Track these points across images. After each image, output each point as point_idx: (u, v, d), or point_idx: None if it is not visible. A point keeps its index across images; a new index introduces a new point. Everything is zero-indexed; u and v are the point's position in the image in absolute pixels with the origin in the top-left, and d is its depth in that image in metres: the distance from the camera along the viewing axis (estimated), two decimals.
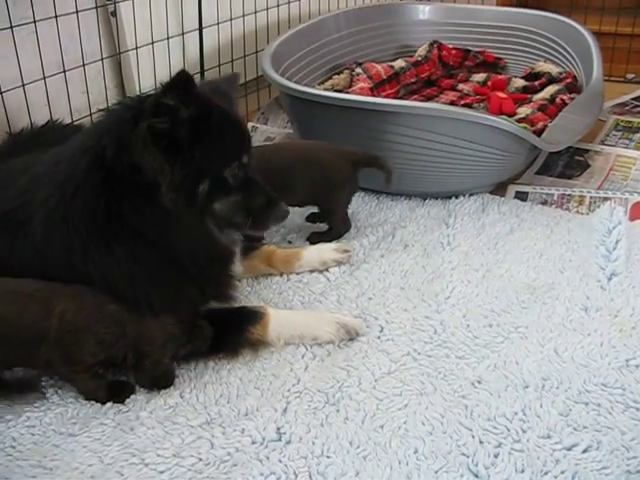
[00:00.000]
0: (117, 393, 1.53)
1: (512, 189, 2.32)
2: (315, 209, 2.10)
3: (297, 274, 1.92)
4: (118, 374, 1.57)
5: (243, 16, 2.89)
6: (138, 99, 1.54)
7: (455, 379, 1.52)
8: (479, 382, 1.51)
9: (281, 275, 1.92)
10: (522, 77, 3.00)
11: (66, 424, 1.47)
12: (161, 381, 1.53)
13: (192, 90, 1.41)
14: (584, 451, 1.32)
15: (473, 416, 1.42)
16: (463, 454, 1.34)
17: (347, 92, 2.70)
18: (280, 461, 1.34)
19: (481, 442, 1.36)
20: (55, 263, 1.51)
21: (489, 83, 2.99)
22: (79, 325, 1.43)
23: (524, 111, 2.59)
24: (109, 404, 1.51)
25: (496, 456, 1.33)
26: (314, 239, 2.05)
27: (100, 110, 1.71)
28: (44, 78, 2.23)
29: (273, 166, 1.82)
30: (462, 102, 2.83)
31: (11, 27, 2.08)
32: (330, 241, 2.02)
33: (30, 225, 1.52)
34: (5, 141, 1.99)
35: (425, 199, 2.26)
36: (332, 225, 2.08)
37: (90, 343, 1.43)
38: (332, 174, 1.98)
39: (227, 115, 1.54)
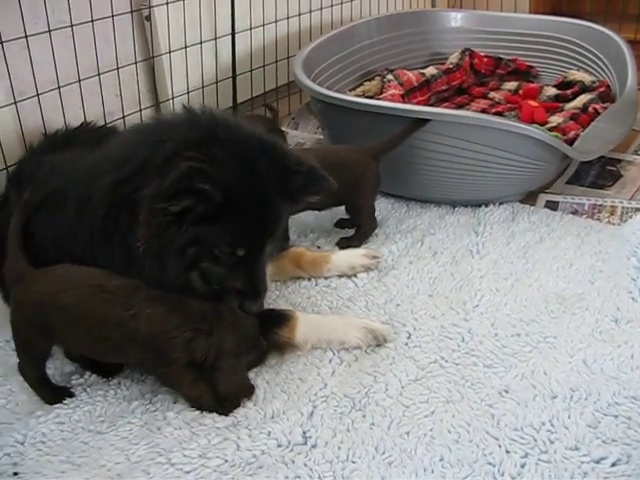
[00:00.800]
0: (226, 400, 1.49)
1: (542, 198, 2.31)
2: (343, 215, 2.11)
3: (325, 279, 1.92)
4: None
5: (275, 22, 2.91)
6: (176, 133, 1.48)
7: (482, 388, 1.51)
8: (506, 391, 1.50)
9: (309, 280, 1.92)
10: (554, 85, 2.98)
11: (94, 422, 1.49)
12: (244, 385, 1.51)
13: (210, 180, 1.38)
14: (613, 464, 1.30)
15: (500, 425, 1.41)
16: (489, 463, 1.33)
17: (378, 98, 2.70)
18: (305, 465, 1.34)
19: (508, 452, 1.35)
20: (81, 244, 1.55)
21: (521, 91, 2.97)
22: (169, 326, 1.43)
23: (556, 120, 2.57)
24: (136, 403, 1.53)
25: (523, 466, 1.32)
26: (343, 244, 2.06)
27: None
28: (79, 81, 2.26)
29: None
30: (493, 110, 2.82)
31: (49, 31, 2.12)
32: (359, 245, 2.04)
33: (65, 204, 1.57)
34: (40, 142, 2.02)
35: (454, 207, 2.25)
36: (361, 223, 2.09)
37: (180, 343, 1.43)
38: (356, 170, 2.00)
39: (246, 205, 1.46)
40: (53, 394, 1.56)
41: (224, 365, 1.44)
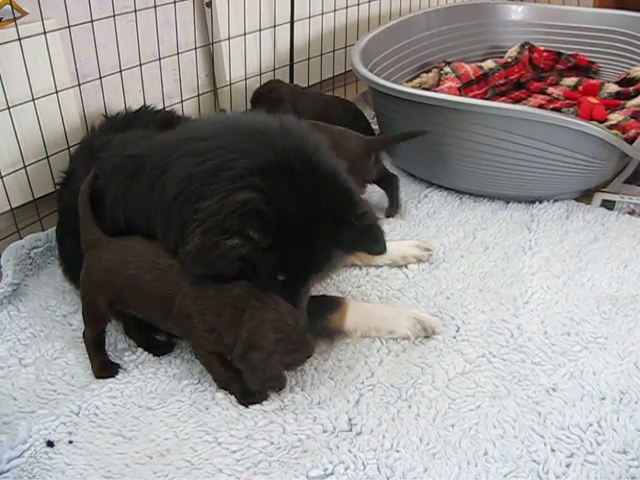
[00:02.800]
0: (250, 395, 1.51)
1: (598, 197, 2.27)
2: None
3: (376, 268, 1.93)
4: None
5: (334, 11, 2.91)
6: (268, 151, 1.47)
7: (529, 385, 1.51)
8: (554, 390, 1.49)
9: (360, 269, 1.93)
10: (616, 82, 2.91)
11: (145, 398, 1.54)
12: (271, 381, 1.49)
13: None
14: None
15: (546, 423, 1.41)
16: (534, 460, 1.33)
17: (435, 91, 2.68)
18: (350, 451, 1.36)
19: (553, 450, 1.35)
20: (147, 215, 1.58)
21: (580, 87, 2.91)
22: (193, 311, 1.46)
23: (616, 117, 2.51)
24: (185, 382, 1.57)
25: (568, 466, 1.32)
26: None
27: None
28: (140, 65, 2.31)
29: None
30: (551, 106, 2.77)
31: (114, 16, 2.17)
32: None
33: (142, 174, 1.60)
34: (102, 123, 2.08)
35: (508, 202, 2.23)
36: None
37: (201, 325, 1.45)
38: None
39: (295, 245, 1.46)
40: (102, 366, 1.62)
41: (252, 359, 1.41)
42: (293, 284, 1.50)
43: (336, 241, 1.50)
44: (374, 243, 1.57)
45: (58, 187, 1.99)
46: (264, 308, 1.42)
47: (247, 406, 1.49)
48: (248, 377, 1.46)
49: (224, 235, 1.38)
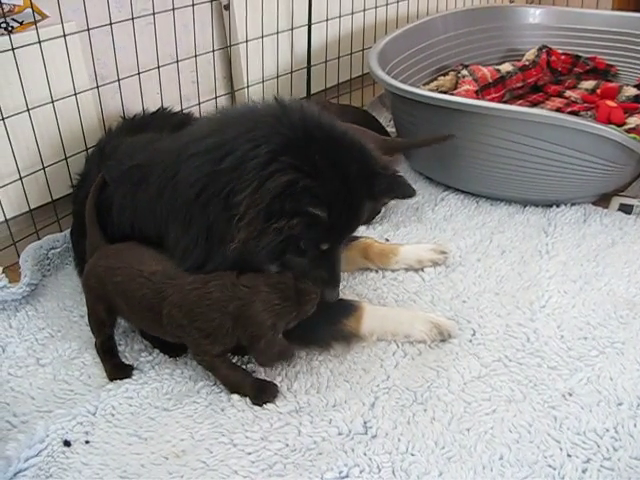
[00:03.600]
0: (260, 394, 1.52)
1: (616, 201, 2.25)
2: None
3: (392, 271, 1.93)
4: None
5: (352, 14, 2.92)
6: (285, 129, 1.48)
7: (546, 389, 1.50)
8: (570, 394, 1.48)
9: (376, 272, 1.93)
10: (634, 85, 2.89)
11: (161, 399, 1.55)
12: (281, 356, 1.52)
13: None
14: None
15: (562, 428, 1.40)
16: (550, 465, 1.33)
17: (452, 94, 2.68)
18: (365, 454, 1.36)
19: (569, 455, 1.34)
20: (154, 221, 1.60)
21: (598, 91, 2.90)
22: (183, 320, 1.47)
23: (634, 121, 2.50)
24: (201, 383, 1.57)
25: (584, 471, 1.31)
26: None
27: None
28: (158, 67, 2.32)
29: None
30: (569, 109, 2.76)
31: (132, 18, 2.19)
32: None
33: (149, 181, 1.62)
34: (118, 124, 2.10)
35: (525, 206, 2.22)
36: None
37: (194, 332, 1.47)
38: None
39: (339, 211, 1.48)
40: (114, 369, 1.63)
41: (258, 348, 1.44)
42: (334, 249, 1.55)
43: (372, 194, 1.55)
44: (404, 186, 1.63)
45: (73, 189, 2.01)
46: (247, 301, 1.43)
47: (261, 405, 1.50)
48: (260, 360, 1.50)
49: (271, 220, 1.39)
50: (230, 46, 2.60)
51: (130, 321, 1.61)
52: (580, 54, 3.08)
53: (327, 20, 2.82)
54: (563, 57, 3.08)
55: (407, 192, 1.65)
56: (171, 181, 1.55)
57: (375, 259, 1.93)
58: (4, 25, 1.88)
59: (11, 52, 1.88)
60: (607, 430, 1.39)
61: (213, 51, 2.51)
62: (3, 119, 1.92)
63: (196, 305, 1.45)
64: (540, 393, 1.49)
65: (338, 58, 2.91)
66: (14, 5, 1.86)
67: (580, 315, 1.72)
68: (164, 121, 2.12)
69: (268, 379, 1.57)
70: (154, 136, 1.84)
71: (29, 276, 1.90)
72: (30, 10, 1.90)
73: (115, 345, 1.66)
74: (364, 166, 1.52)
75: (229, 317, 1.44)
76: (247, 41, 2.57)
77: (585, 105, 2.80)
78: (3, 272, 1.84)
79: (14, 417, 1.51)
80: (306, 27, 2.74)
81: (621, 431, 1.38)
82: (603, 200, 2.24)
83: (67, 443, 1.43)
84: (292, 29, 2.73)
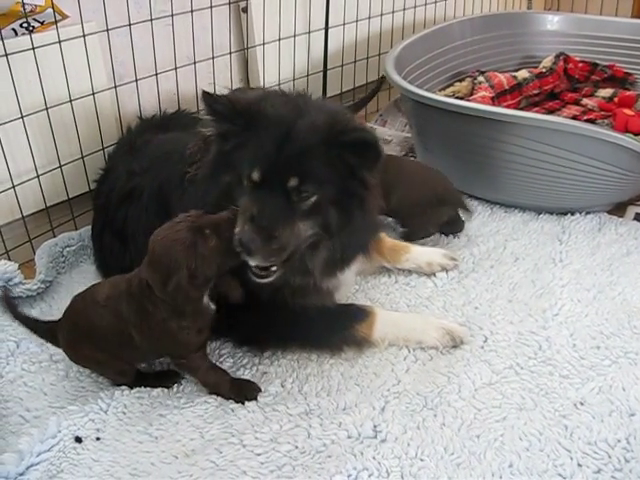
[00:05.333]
0: (240, 392, 1.55)
1: (632, 210, 2.24)
2: None
3: (405, 276, 1.93)
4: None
5: (369, 18, 2.92)
6: None
7: (557, 398, 1.50)
8: (582, 404, 1.48)
9: (389, 276, 1.94)
10: None
11: (172, 398, 1.57)
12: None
13: None
14: None
15: (573, 437, 1.40)
16: (560, 475, 1.32)
17: (468, 100, 2.68)
18: (374, 458, 1.36)
19: (580, 465, 1.34)
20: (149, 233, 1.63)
21: (616, 99, 2.89)
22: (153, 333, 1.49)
23: None
24: None
25: None
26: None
27: None
28: (175, 68, 2.34)
29: None
30: (585, 117, 2.75)
31: (151, 20, 2.20)
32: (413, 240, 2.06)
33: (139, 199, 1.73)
34: (137, 124, 2.12)
35: (539, 213, 2.22)
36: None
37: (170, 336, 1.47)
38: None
39: (267, 132, 1.46)
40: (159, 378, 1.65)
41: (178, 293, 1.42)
42: (269, 185, 1.42)
43: (323, 141, 1.42)
44: (358, 153, 1.43)
45: (95, 184, 2.03)
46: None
47: (243, 402, 1.52)
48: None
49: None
50: (247, 48, 2.61)
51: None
52: (598, 62, 3.07)
53: (344, 24, 2.83)
54: (580, 64, 3.07)
55: (372, 155, 1.45)
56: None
57: (386, 254, 1.92)
58: (25, 25, 1.90)
59: (31, 51, 1.90)
60: (619, 441, 1.38)
61: (230, 53, 2.52)
62: (22, 117, 1.94)
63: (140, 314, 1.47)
64: (551, 401, 1.49)
65: (354, 62, 2.92)
66: (36, 5, 1.88)
67: (593, 324, 1.72)
68: (181, 121, 2.14)
69: (246, 379, 1.60)
70: (182, 134, 1.90)
71: (44, 273, 1.92)
72: (51, 10, 1.92)
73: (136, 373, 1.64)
74: (329, 119, 1.45)
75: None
76: (264, 44, 2.58)
77: (602, 113, 2.79)
78: (19, 269, 1.85)
79: (27, 412, 1.53)
80: (323, 31, 2.75)
81: (633, 442, 1.37)
82: (618, 209, 2.23)
83: (78, 439, 1.45)
84: (309, 32, 2.74)
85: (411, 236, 2.06)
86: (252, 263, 1.43)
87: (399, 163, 2.14)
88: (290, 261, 1.48)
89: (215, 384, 1.55)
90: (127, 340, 1.48)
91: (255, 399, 1.53)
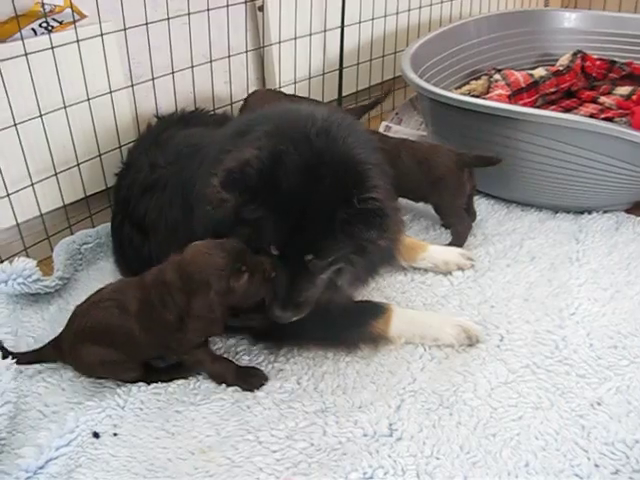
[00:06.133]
0: (246, 380, 1.57)
1: None
2: None
3: (421, 275, 1.93)
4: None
5: (385, 16, 2.92)
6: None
7: (574, 397, 1.49)
8: (599, 404, 1.47)
9: (405, 275, 1.94)
10: None
11: (188, 394, 1.57)
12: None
13: None
14: None
15: (590, 438, 1.39)
16: (576, 475, 1.32)
17: (484, 98, 2.67)
18: (389, 456, 1.36)
19: (597, 466, 1.33)
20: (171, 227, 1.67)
21: (634, 97, 2.85)
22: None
23: None
24: None
25: None
26: None
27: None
28: (192, 67, 2.34)
29: None
30: (603, 115, 2.73)
31: (168, 19, 2.21)
32: (461, 245, 2.05)
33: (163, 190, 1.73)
34: (157, 122, 2.14)
35: (556, 212, 2.21)
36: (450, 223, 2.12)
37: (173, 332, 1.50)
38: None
39: (286, 207, 1.44)
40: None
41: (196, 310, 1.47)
42: (289, 262, 1.46)
43: (334, 219, 1.41)
44: (367, 227, 1.41)
45: (117, 177, 2.05)
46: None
47: (252, 391, 1.54)
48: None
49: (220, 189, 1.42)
50: (263, 47, 2.62)
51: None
52: (616, 59, 3.04)
53: (360, 22, 2.83)
54: (598, 62, 3.04)
55: (365, 234, 1.42)
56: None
57: (403, 252, 1.90)
58: (44, 25, 1.92)
59: (50, 51, 1.91)
60: (637, 441, 1.37)
61: (246, 52, 2.53)
62: (41, 116, 1.95)
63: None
64: (568, 401, 1.48)
65: (370, 60, 2.92)
66: (55, 5, 1.90)
67: (610, 324, 1.71)
68: (200, 120, 2.16)
69: (252, 366, 1.62)
70: (205, 129, 1.93)
71: (62, 270, 1.94)
72: (70, 10, 1.93)
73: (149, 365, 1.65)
74: (339, 188, 1.41)
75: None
76: (280, 42, 2.58)
77: (620, 111, 2.76)
78: (37, 265, 1.87)
79: (45, 407, 1.55)
80: (339, 29, 2.75)
81: None
82: (636, 208, 2.21)
83: (96, 435, 1.46)
84: (325, 31, 2.74)
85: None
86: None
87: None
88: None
89: (220, 374, 1.57)
90: (128, 334, 1.51)
91: (261, 386, 1.56)
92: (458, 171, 2.02)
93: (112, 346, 1.54)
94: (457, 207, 2.06)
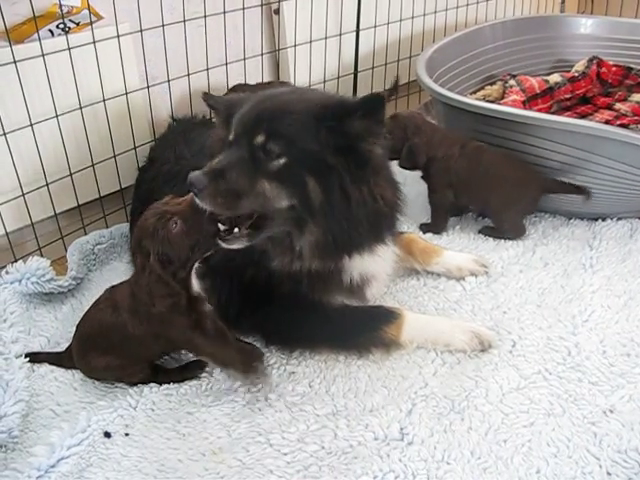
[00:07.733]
0: (248, 360, 1.57)
1: None
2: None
3: (433, 279, 1.93)
4: None
5: (400, 21, 2.92)
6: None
7: (586, 405, 1.48)
8: (611, 411, 1.46)
9: (418, 279, 1.93)
10: None
11: (200, 395, 1.58)
12: None
13: None
14: None
15: (602, 445, 1.38)
16: None
17: (499, 104, 2.66)
18: (400, 460, 1.36)
19: (609, 474, 1.32)
20: None
21: None
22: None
23: None
24: (239, 383, 1.59)
25: None
26: (486, 232, 2.15)
27: None
28: (207, 69, 2.36)
29: None
30: (618, 122, 2.71)
31: (184, 21, 2.23)
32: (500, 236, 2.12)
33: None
34: (177, 123, 2.15)
35: (570, 218, 2.20)
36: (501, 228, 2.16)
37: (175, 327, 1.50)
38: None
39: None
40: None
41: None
42: (238, 143, 1.46)
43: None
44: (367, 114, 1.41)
45: (139, 171, 2.08)
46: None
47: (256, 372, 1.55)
48: None
49: None
50: (279, 50, 2.63)
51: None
52: (632, 66, 3.03)
53: (375, 26, 2.84)
54: (614, 69, 3.03)
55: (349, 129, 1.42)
56: None
57: (417, 255, 1.92)
58: (62, 26, 1.93)
59: (66, 52, 1.93)
60: None
61: (262, 55, 2.54)
62: (57, 116, 1.97)
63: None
64: (580, 408, 1.47)
65: (385, 65, 2.92)
66: (72, 7, 1.92)
67: (623, 331, 1.69)
68: None
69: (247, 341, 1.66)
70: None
71: (75, 270, 1.95)
72: (87, 11, 1.95)
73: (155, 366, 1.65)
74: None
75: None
76: (295, 45, 2.59)
77: (635, 118, 2.75)
78: (51, 265, 1.88)
79: (57, 406, 1.56)
80: (354, 33, 2.76)
81: None
82: None
83: (107, 434, 1.47)
84: (340, 35, 2.75)
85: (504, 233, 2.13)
86: (201, 204, 1.39)
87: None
88: (263, 230, 1.48)
89: (224, 360, 1.56)
90: (122, 331, 1.51)
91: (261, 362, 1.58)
92: (539, 194, 2.10)
93: (112, 351, 1.55)
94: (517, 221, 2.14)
